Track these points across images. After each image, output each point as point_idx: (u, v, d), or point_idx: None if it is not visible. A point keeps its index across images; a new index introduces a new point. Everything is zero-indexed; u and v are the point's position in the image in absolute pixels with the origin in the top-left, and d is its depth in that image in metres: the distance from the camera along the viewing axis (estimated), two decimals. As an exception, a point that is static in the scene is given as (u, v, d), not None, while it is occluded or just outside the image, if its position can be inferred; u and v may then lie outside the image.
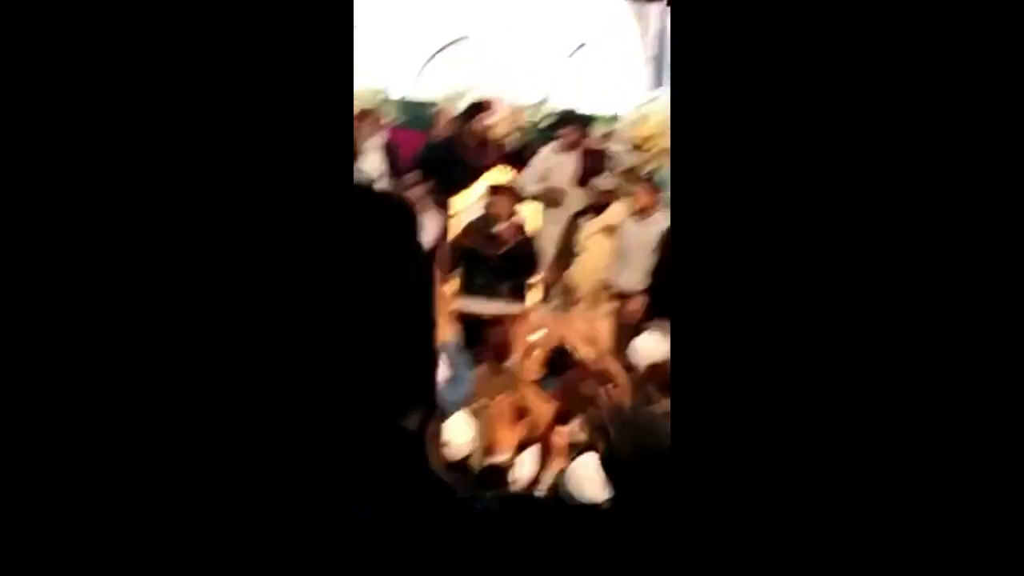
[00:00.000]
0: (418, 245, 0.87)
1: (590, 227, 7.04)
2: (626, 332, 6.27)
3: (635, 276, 6.66)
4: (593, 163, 7.29)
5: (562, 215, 7.33)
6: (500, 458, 3.70)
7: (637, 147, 7.70)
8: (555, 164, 7.47)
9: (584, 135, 7.63)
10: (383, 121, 7.56)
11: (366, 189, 0.80)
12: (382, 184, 6.99)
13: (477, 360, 4.97)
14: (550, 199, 7.40)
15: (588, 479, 3.26)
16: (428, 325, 0.86)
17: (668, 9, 7.76)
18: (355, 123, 7.38)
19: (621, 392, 3.65)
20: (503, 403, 3.71)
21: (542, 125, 8.05)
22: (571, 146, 7.42)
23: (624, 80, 8.66)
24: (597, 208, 7.05)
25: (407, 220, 0.87)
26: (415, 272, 0.85)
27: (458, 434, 3.70)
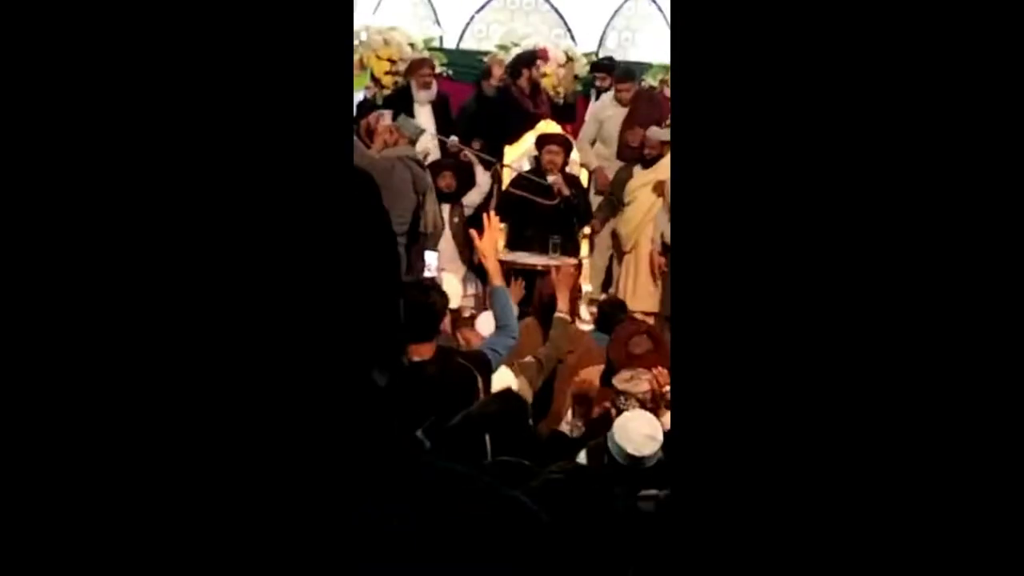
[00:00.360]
0: (382, 212, 0.87)
1: (640, 177, 6.94)
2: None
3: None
4: (649, 113, 7.17)
5: (615, 164, 7.27)
6: (573, 429, 3.66)
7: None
8: (612, 115, 7.39)
9: (639, 86, 7.52)
10: (435, 71, 7.52)
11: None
12: (429, 139, 6.94)
13: (525, 313, 4.96)
14: (597, 183, 7.36)
15: (638, 433, 3.25)
16: (392, 289, 0.87)
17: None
18: (409, 73, 7.38)
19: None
20: (591, 372, 3.63)
21: (595, 75, 7.94)
22: (628, 99, 7.32)
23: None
24: (648, 161, 6.95)
25: (371, 190, 0.87)
26: (378, 240, 0.85)
27: (505, 384, 3.70)
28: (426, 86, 7.25)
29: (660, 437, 3.21)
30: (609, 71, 7.62)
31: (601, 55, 8.14)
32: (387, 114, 6.32)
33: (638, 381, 3.64)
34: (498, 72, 7.52)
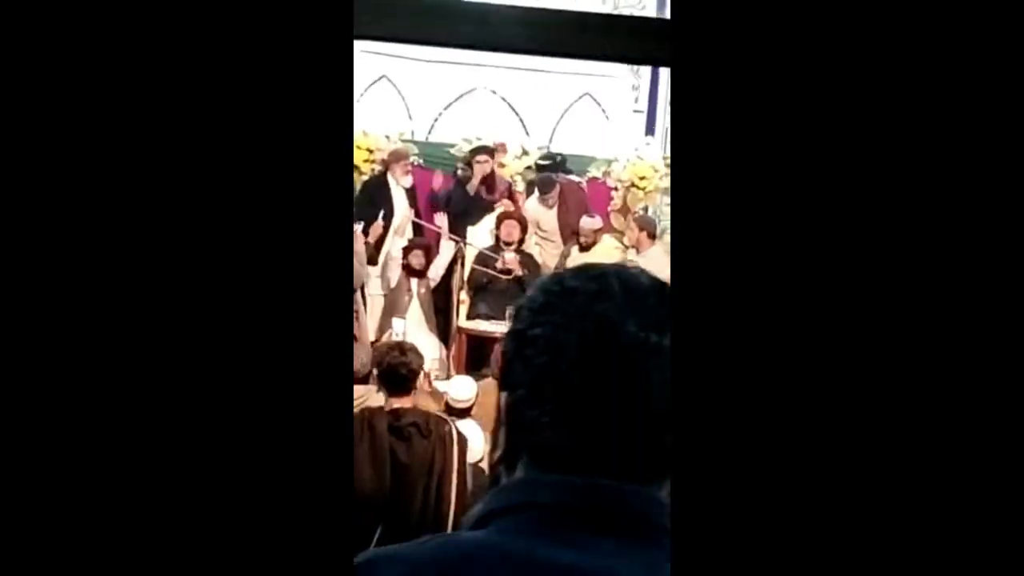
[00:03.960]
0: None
1: (577, 259, 7.85)
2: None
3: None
4: (576, 207, 8.24)
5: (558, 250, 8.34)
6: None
7: (633, 185, 8.70)
8: (542, 212, 8.44)
9: (562, 185, 8.47)
10: (410, 160, 8.51)
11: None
12: (407, 221, 7.97)
13: (484, 375, 5.86)
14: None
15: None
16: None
17: (654, 68, 8.62)
18: (387, 163, 8.40)
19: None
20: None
21: (543, 165, 8.95)
22: (551, 203, 8.35)
23: (621, 127, 9.63)
24: (584, 247, 8.00)
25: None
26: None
27: (472, 437, 4.18)
28: (405, 174, 8.32)
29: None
30: (553, 168, 8.63)
31: (552, 149, 9.12)
32: None
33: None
34: (463, 162, 8.52)
